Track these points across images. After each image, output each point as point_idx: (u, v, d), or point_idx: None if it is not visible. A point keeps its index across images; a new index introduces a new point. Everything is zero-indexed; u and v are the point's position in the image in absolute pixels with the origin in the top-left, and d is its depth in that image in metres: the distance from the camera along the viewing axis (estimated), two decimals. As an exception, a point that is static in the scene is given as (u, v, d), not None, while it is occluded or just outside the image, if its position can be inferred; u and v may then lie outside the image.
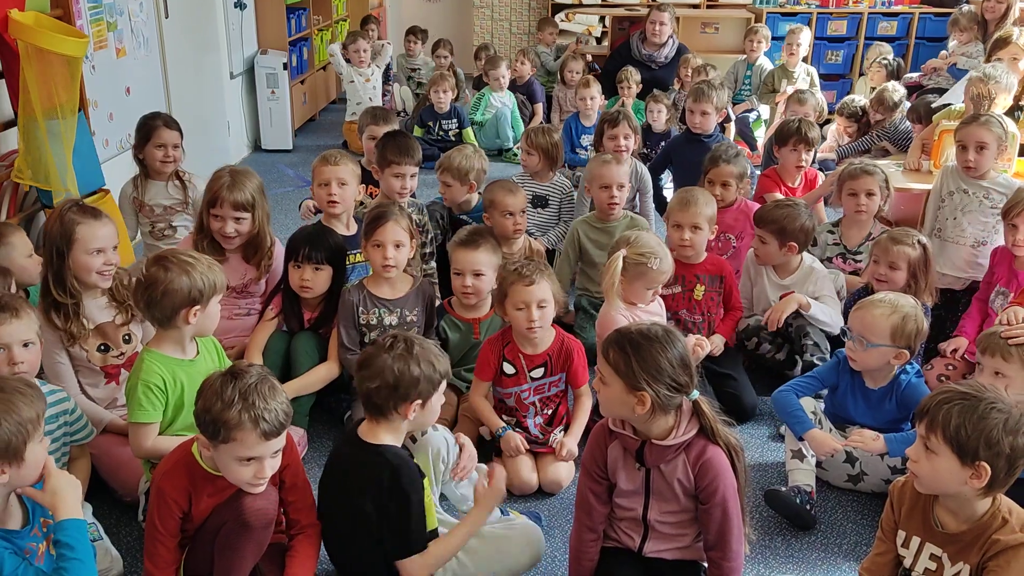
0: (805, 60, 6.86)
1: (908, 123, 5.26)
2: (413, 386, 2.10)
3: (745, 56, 6.79)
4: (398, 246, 2.93)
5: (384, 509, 2.09)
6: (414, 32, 7.77)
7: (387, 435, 2.15)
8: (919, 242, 3.10)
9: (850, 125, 5.78)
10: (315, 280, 3.06)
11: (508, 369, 2.79)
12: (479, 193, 4.00)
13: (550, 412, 2.85)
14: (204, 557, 2.06)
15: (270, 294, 3.24)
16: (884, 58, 6.47)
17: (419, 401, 2.13)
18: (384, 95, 7.24)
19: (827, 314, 3.22)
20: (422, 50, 7.74)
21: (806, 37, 6.69)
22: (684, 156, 4.55)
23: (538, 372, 2.80)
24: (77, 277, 2.65)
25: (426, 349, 2.15)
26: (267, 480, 2.01)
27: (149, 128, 3.68)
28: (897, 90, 5.56)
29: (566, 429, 2.84)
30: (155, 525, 2.03)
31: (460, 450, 2.49)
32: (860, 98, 5.98)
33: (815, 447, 2.60)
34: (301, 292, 3.06)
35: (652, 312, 2.97)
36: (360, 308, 2.98)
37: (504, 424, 2.79)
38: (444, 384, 2.20)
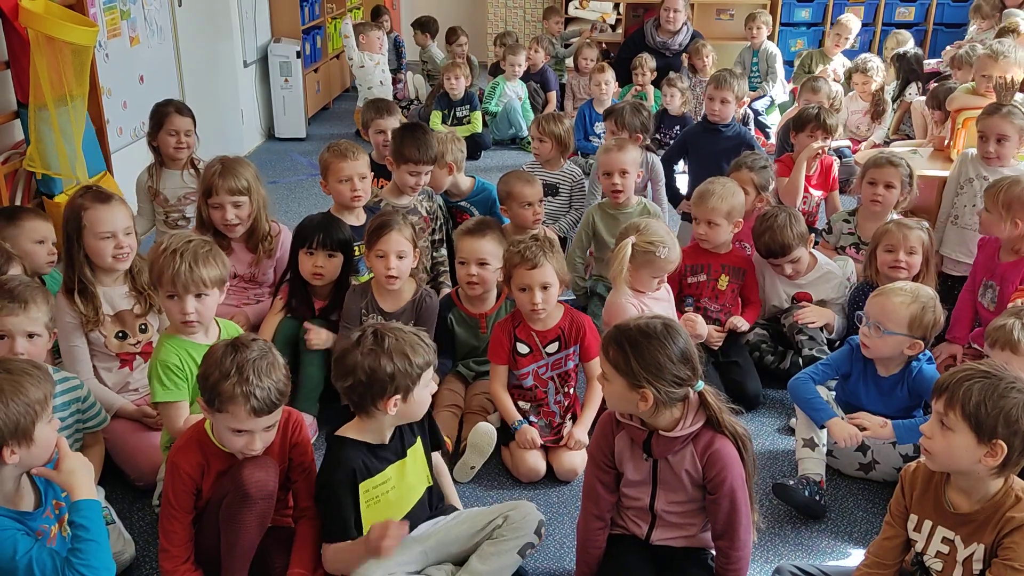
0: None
1: None
2: (388, 381, 2.03)
3: (749, 43, 6.72)
4: (401, 256, 2.88)
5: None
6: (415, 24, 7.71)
7: (357, 430, 2.12)
8: (925, 228, 3.10)
9: (868, 81, 5.67)
10: (328, 266, 3.04)
11: (522, 348, 2.78)
12: (472, 177, 3.99)
13: (570, 391, 2.83)
14: (212, 533, 2.08)
15: (277, 283, 3.23)
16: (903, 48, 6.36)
17: (398, 396, 2.06)
18: (397, 83, 7.23)
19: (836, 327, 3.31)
20: (431, 43, 7.69)
21: (856, 27, 6.53)
22: (700, 146, 4.50)
23: (553, 347, 2.78)
24: (93, 261, 2.69)
25: (401, 341, 2.06)
26: (259, 451, 2.03)
27: (161, 115, 3.69)
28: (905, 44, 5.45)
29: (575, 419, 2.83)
30: (170, 501, 2.06)
31: None
32: (875, 57, 5.89)
33: (836, 436, 2.57)
34: (313, 280, 3.04)
35: (659, 299, 2.96)
36: (363, 308, 2.97)
37: (520, 418, 2.77)
38: (429, 373, 2.11)
